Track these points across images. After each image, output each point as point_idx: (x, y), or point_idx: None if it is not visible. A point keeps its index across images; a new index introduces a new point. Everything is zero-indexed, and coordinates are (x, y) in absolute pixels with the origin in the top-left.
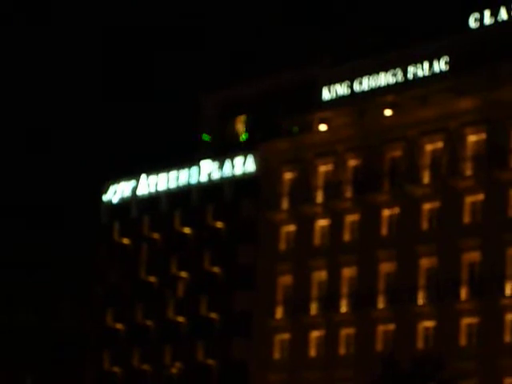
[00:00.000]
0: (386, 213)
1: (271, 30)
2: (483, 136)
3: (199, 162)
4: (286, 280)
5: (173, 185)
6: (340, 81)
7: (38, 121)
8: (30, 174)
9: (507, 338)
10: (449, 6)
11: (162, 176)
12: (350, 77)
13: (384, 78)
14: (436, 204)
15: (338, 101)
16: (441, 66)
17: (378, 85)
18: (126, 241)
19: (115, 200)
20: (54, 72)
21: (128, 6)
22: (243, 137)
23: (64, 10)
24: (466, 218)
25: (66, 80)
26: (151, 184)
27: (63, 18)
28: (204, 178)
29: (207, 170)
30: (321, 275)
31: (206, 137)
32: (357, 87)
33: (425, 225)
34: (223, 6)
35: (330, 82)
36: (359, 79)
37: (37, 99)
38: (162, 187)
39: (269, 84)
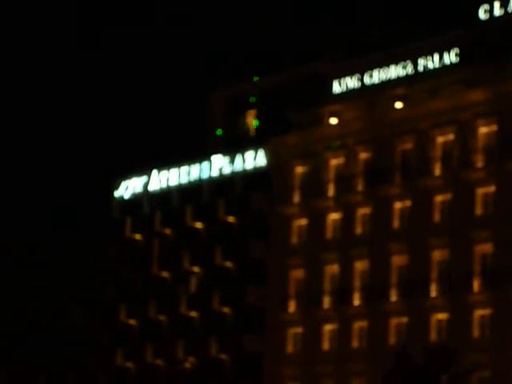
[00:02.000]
0: (398, 205)
1: (282, 25)
2: (494, 128)
3: (210, 156)
4: (298, 274)
5: (184, 180)
6: (350, 74)
7: (50, 117)
8: (42, 171)
9: None
10: None
11: (174, 171)
12: (361, 70)
13: (394, 71)
14: (447, 196)
15: (349, 94)
16: (451, 57)
17: (388, 77)
18: (137, 236)
19: (127, 196)
20: (67, 68)
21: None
22: (254, 124)
23: None
24: (478, 210)
25: (78, 76)
26: (162, 179)
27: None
28: (215, 173)
29: (218, 164)
30: (333, 269)
31: (219, 131)
32: (367, 80)
33: (436, 217)
34: (233, 1)
35: (340, 75)
36: (369, 72)
37: (49, 95)
38: (173, 182)
39: (279, 78)
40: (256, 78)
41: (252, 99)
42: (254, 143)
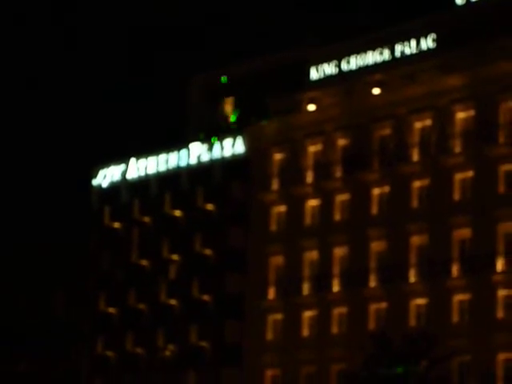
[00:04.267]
0: (376, 191)
1: (259, 11)
2: (472, 113)
3: (188, 144)
4: (277, 261)
5: (162, 168)
6: (328, 60)
7: (26, 106)
8: (19, 161)
9: (499, 314)
10: None
11: (152, 159)
12: (338, 56)
13: (371, 57)
14: (426, 182)
15: (326, 80)
16: (428, 43)
17: (365, 63)
18: (116, 225)
19: (105, 184)
20: (45, 59)
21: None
22: (232, 117)
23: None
24: (456, 195)
25: (56, 65)
26: (141, 167)
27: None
28: (193, 161)
29: (196, 152)
30: (312, 255)
31: (224, 79)
32: (345, 66)
33: (415, 203)
34: None
35: (317, 61)
36: (347, 58)
37: (25, 85)
38: (151, 170)
39: (257, 65)
40: (224, 79)
41: (224, 79)
42: (232, 130)
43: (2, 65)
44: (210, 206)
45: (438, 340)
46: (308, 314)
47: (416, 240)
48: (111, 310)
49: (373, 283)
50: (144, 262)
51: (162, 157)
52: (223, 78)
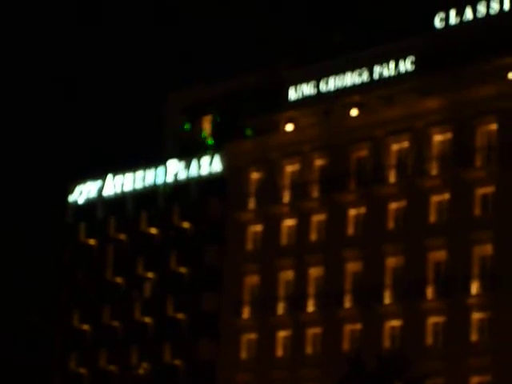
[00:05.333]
0: (353, 212)
1: (239, 31)
2: (449, 136)
3: (165, 162)
4: (252, 280)
5: (139, 185)
6: (306, 81)
7: (4, 121)
8: None
9: (473, 337)
10: (414, 5)
11: (128, 176)
12: (317, 77)
13: (350, 78)
14: (402, 203)
15: (305, 101)
16: (406, 65)
17: (344, 85)
18: (92, 241)
19: (81, 201)
20: (21, 71)
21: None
22: (209, 141)
23: None
24: (432, 218)
25: (36, 79)
26: (117, 184)
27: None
28: (170, 178)
29: (173, 170)
30: (288, 275)
31: (187, 126)
32: (323, 87)
33: (391, 224)
34: (194, 7)
35: (296, 81)
36: (325, 79)
37: (2, 97)
38: (128, 187)
39: (235, 84)
40: (187, 126)
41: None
42: (209, 149)
43: None
44: (186, 224)
45: (412, 362)
46: (282, 334)
47: (391, 261)
48: (85, 326)
49: (348, 304)
50: (119, 280)
51: (139, 174)
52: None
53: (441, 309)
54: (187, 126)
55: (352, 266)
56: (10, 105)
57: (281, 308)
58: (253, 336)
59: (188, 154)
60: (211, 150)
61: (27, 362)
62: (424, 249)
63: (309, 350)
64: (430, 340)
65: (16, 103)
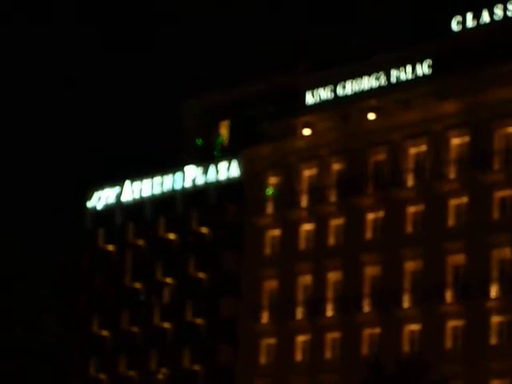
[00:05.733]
0: (371, 216)
1: (256, 35)
2: (466, 139)
3: (183, 167)
4: (271, 285)
5: (157, 191)
6: (323, 85)
7: (21, 127)
8: (15, 182)
9: (493, 341)
10: (431, 9)
11: (147, 182)
12: (334, 81)
13: (367, 82)
14: (420, 207)
15: (322, 105)
16: (424, 69)
17: (361, 89)
18: (110, 247)
19: (99, 206)
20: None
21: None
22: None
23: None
24: (451, 221)
25: (54, 86)
26: (135, 190)
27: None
28: (188, 184)
29: (191, 175)
30: (306, 279)
31: (199, 141)
32: (340, 91)
33: (409, 228)
34: (208, 11)
35: (313, 86)
36: (342, 83)
37: (21, 103)
38: (146, 193)
39: (252, 89)
40: (269, 192)
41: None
42: (227, 154)
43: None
44: (204, 230)
45: (432, 366)
46: (301, 339)
47: (410, 265)
48: (104, 332)
49: (366, 308)
50: (137, 285)
51: (157, 179)
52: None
53: (460, 312)
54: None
55: (370, 270)
56: (29, 112)
57: (299, 313)
58: (272, 341)
59: (205, 159)
60: (229, 156)
61: (46, 369)
62: (443, 252)
63: (328, 354)
64: (449, 344)
65: (35, 110)
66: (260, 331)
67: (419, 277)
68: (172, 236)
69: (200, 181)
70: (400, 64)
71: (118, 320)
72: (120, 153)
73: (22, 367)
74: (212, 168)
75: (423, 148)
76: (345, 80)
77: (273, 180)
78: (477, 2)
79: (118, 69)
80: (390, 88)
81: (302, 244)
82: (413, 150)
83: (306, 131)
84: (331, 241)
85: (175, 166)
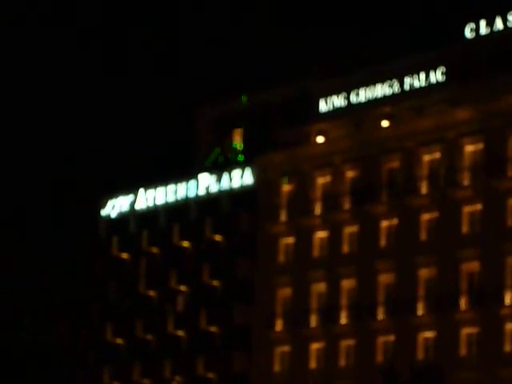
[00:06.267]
0: (385, 224)
1: (267, 43)
2: (480, 146)
3: (197, 175)
4: (285, 292)
5: (171, 199)
6: (337, 92)
7: (36, 133)
8: (29, 189)
9: (507, 348)
10: (444, 16)
11: (160, 190)
12: (347, 88)
13: (381, 89)
14: (434, 214)
15: (335, 112)
16: (437, 76)
17: (374, 96)
18: (124, 255)
19: (113, 215)
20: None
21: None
22: (239, 146)
23: None
24: (465, 228)
25: (65, 93)
26: (149, 198)
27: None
28: (202, 192)
29: (205, 183)
30: (320, 287)
31: (217, 150)
32: (354, 99)
33: (423, 235)
34: (220, 18)
35: (326, 93)
36: (356, 91)
37: (34, 111)
38: (160, 201)
39: (266, 96)
40: (244, 99)
41: (244, 99)
42: (240, 162)
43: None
44: (218, 237)
45: (446, 373)
46: (315, 346)
47: (424, 273)
48: (118, 340)
49: (381, 316)
50: (151, 293)
51: (171, 187)
52: (243, 98)
53: (474, 319)
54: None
55: (384, 278)
56: (43, 118)
57: (313, 320)
58: (286, 348)
59: (219, 167)
60: (242, 163)
61: (60, 376)
62: (457, 260)
63: (342, 362)
64: (463, 351)
65: (50, 116)
66: (274, 339)
67: (433, 284)
68: (186, 244)
69: (214, 189)
70: (413, 71)
71: (132, 328)
72: (134, 161)
73: (35, 375)
74: (226, 176)
75: (437, 155)
76: (358, 87)
77: (286, 188)
78: (490, 9)
79: (132, 76)
80: (404, 95)
81: (316, 251)
82: (426, 158)
83: (320, 139)
84: (345, 248)
85: (189, 173)
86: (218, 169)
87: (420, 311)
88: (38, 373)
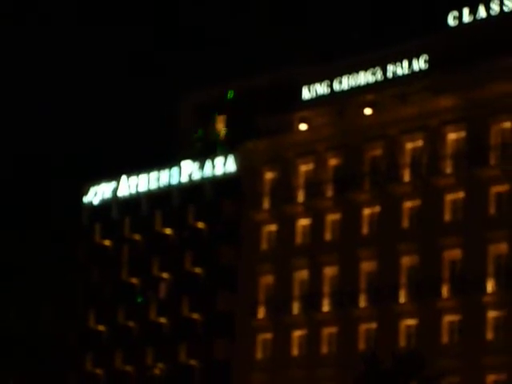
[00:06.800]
0: (367, 212)
1: (250, 30)
2: (463, 134)
3: (180, 162)
4: (267, 280)
5: (153, 186)
6: (320, 80)
7: (19, 120)
8: (10, 176)
9: (489, 336)
10: (427, 4)
11: (143, 177)
12: (330, 76)
13: (364, 77)
14: (416, 202)
15: (318, 100)
16: (420, 64)
17: (357, 84)
18: (107, 242)
19: (96, 202)
20: (38, 76)
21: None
22: (222, 132)
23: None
24: (447, 216)
25: (50, 82)
26: (132, 185)
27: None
28: (185, 179)
29: (188, 170)
30: (302, 275)
31: (199, 132)
32: (337, 86)
33: (405, 223)
34: (204, 5)
35: (309, 81)
36: (339, 78)
37: (17, 99)
38: (142, 188)
39: (249, 84)
40: (231, 94)
41: (231, 94)
42: (223, 149)
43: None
44: (200, 225)
45: (428, 361)
46: (298, 334)
47: (406, 260)
48: (100, 327)
49: (363, 303)
50: (134, 280)
51: (153, 174)
52: (230, 93)
53: (456, 307)
54: (200, 133)
55: (367, 266)
56: (25, 105)
57: (296, 307)
58: (268, 336)
59: (202, 154)
60: (225, 151)
61: (42, 362)
62: (439, 247)
63: (324, 349)
64: (445, 339)
65: (30, 103)
66: (256, 326)
67: (415, 272)
68: (168, 231)
69: (196, 176)
70: (396, 59)
71: (115, 315)
72: (116, 148)
73: (17, 361)
74: (208, 163)
75: (419, 143)
76: (341, 75)
77: (269, 175)
78: None
79: (115, 65)
80: (387, 83)
81: (299, 239)
82: (409, 145)
83: (303, 126)
84: (327, 236)
85: (171, 160)
86: (200, 156)
87: (402, 299)
88: (20, 358)
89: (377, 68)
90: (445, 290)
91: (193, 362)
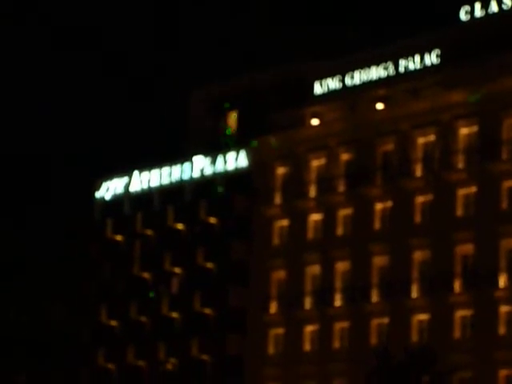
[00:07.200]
0: (379, 206)
1: (262, 26)
2: (475, 128)
3: (192, 157)
4: (279, 275)
5: (165, 181)
6: (332, 75)
7: (29, 117)
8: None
9: (501, 330)
10: None
11: (155, 172)
12: (342, 71)
13: (375, 72)
14: (429, 197)
15: (330, 95)
16: (432, 59)
17: (369, 78)
18: (119, 238)
19: (108, 197)
20: (48, 70)
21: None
22: (228, 131)
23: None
24: (459, 211)
25: (60, 78)
26: (144, 180)
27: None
28: (197, 174)
29: (200, 165)
30: (314, 269)
31: (228, 131)
32: (348, 81)
33: (418, 218)
34: (204, 5)
35: (321, 76)
36: (351, 73)
37: (28, 96)
38: (154, 183)
39: (260, 79)
40: (227, 105)
41: (227, 105)
42: (235, 144)
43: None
44: (212, 220)
45: (440, 355)
46: (310, 329)
47: (418, 255)
48: (112, 322)
49: (375, 298)
50: (146, 275)
51: (165, 170)
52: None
53: (468, 302)
54: (228, 131)
55: (379, 260)
56: (38, 101)
57: (308, 302)
58: (280, 331)
59: (213, 149)
60: (236, 146)
61: (55, 359)
62: (451, 242)
63: (336, 344)
64: (457, 333)
65: (42, 101)
66: (268, 321)
67: (427, 267)
68: (180, 226)
69: (208, 171)
70: (408, 54)
71: (127, 310)
72: (128, 143)
73: (30, 356)
74: (220, 158)
75: (431, 138)
76: (353, 70)
77: (281, 170)
78: None
79: (126, 59)
80: (399, 78)
81: (311, 234)
82: (421, 140)
83: (315, 121)
84: (339, 231)
85: (183, 156)
86: (212, 150)
87: (414, 294)
88: (32, 354)
89: (389, 63)
90: (457, 285)
91: (205, 357)
